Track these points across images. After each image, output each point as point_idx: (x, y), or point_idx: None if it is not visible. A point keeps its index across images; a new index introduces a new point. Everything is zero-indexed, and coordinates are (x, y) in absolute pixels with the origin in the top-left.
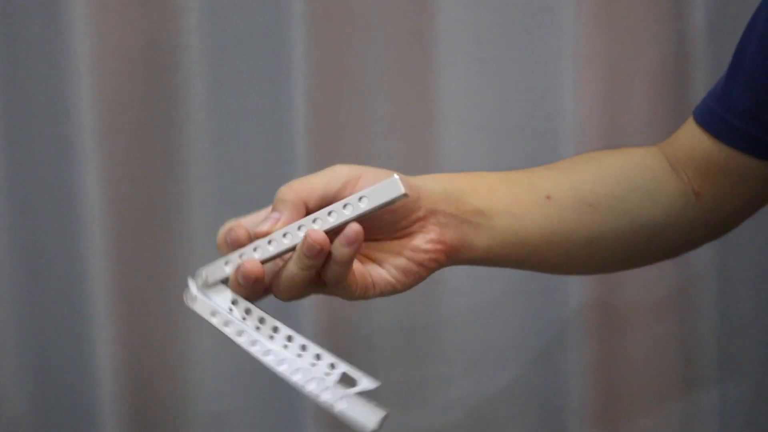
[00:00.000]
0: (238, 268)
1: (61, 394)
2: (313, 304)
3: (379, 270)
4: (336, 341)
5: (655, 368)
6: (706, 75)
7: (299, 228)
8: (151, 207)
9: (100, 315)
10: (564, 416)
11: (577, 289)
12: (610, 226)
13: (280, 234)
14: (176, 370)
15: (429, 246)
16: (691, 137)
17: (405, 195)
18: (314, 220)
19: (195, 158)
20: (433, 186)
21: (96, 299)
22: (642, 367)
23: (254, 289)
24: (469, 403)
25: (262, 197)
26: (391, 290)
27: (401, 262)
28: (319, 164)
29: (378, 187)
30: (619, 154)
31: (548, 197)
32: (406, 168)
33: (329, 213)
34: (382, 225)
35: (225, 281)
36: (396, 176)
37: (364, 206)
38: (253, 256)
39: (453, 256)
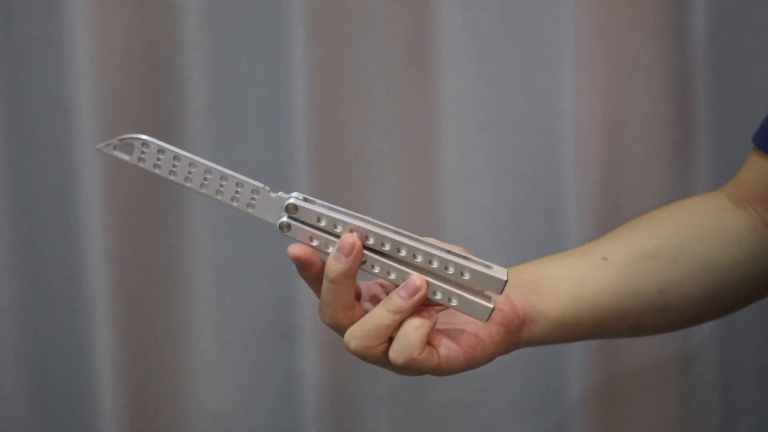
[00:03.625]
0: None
1: (61, 394)
2: (312, 305)
3: (447, 342)
4: (336, 340)
5: (655, 369)
6: (706, 75)
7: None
8: (151, 207)
9: (100, 315)
10: (563, 413)
11: None
12: (679, 274)
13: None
14: (176, 370)
15: (502, 314)
16: (755, 168)
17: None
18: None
19: None
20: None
21: (96, 299)
22: (642, 369)
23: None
24: (469, 402)
25: None
26: (464, 364)
27: (470, 337)
28: (319, 164)
29: (473, 303)
30: (673, 206)
31: (604, 258)
32: (407, 168)
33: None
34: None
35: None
36: (492, 307)
37: (452, 304)
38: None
39: (528, 324)
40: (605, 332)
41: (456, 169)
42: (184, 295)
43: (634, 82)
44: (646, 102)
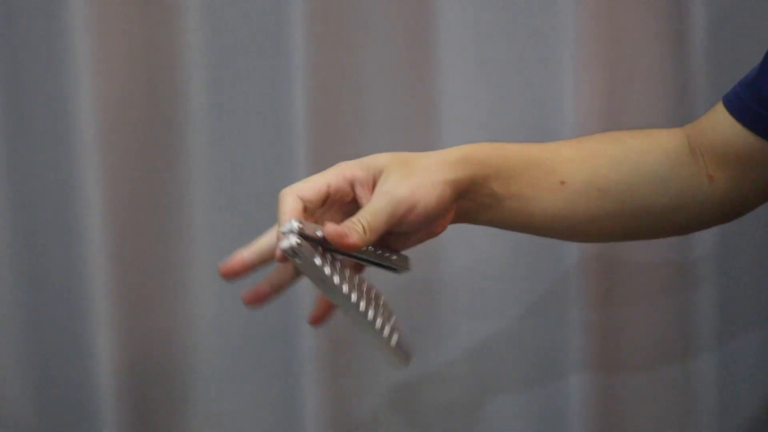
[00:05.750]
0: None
1: (61, 394)
2: (313, 297)
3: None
4: (336, 333)
5: (654, 369)
6: (706, 75)
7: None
8: (151, 207)
9: (100, 315)
10: (564, 413)
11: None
12: (615, 208)
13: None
14: (176, 371)
15: (444, 226)
16: (715, 120)
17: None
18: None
19: (195, 158)
20: (463, 177)
21: (96, 299)
22: (642, 369)
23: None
24: (469, 402)
25: (262, 197)
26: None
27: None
28: (319, 164)
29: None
30: (643, 137)
31: (563, 182)
32: None
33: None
34: (421, 225)
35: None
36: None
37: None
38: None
39: (457, 221)
40: (524, 232)
41: None
42: (184, 295)
43: (634, 82)
44: (646, 102)
